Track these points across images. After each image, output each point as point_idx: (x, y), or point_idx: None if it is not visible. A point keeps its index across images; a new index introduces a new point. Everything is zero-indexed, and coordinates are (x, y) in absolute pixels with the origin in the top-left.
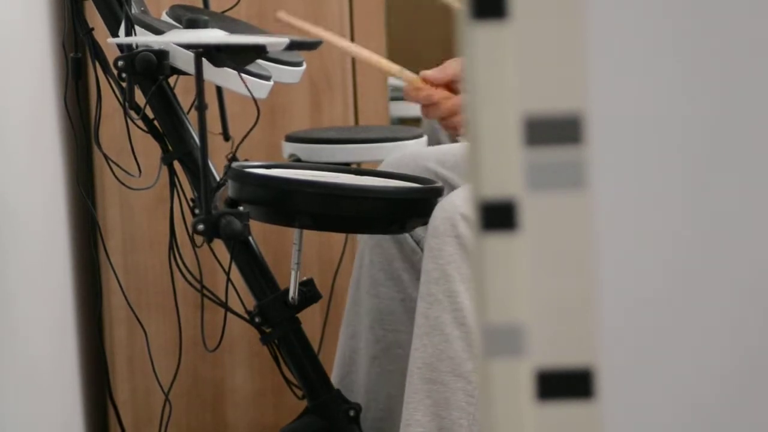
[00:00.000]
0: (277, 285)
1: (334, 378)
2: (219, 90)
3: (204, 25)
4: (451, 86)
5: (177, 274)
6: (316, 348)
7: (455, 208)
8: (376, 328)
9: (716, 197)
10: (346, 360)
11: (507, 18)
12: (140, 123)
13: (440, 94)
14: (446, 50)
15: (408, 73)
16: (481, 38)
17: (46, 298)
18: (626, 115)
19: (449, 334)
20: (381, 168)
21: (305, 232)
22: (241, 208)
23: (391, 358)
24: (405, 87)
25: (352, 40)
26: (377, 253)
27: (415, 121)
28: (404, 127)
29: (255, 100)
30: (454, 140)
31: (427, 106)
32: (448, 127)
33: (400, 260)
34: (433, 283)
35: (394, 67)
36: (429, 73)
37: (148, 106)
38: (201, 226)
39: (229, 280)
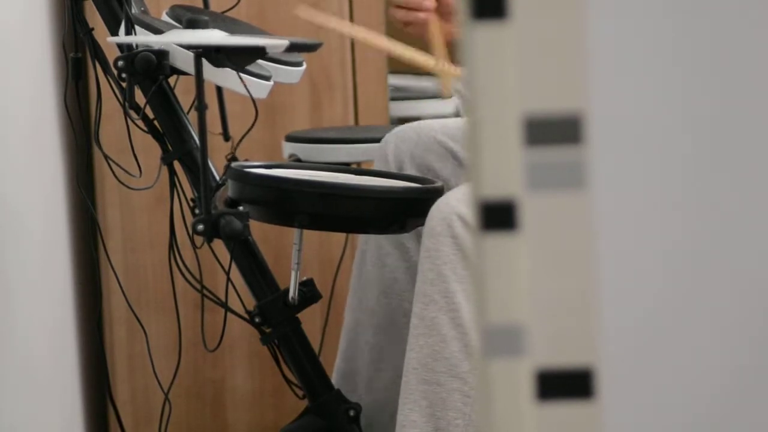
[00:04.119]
0: (277, 285)
1: (340, 348)
2: (219, 90)
3: (204, 25)
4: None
5: (177, 274)
6: (316, 348)
7: (451, 209)
8: (381, 298)
9: (716, 197)
10: (350, 334)
11: (507, 18)
12: (140, 123)
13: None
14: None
15: None
16: (481, 38)
17: (46, 298)
18: (626, 115)
19: (445, 334)
20: (383, 141)
21: (305, 232)
22: (241, 208)
23: (395, 327)
24: None
25: (352, 40)
26: None
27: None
28: None
29: (253, 101)
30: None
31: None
32: (402, 18)
33: None
34: (429, 284)
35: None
36: None
37: (148, 106)
38: (201, 226)
39: (229, 280)
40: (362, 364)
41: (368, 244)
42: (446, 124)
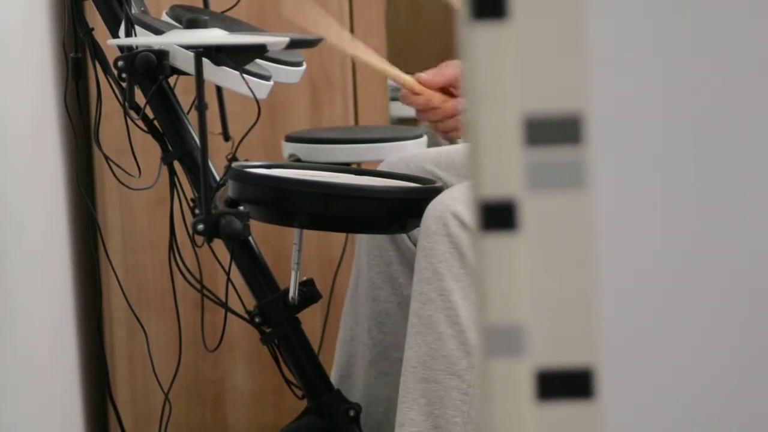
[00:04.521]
0: (277, 285)
1: (333, 382)
2: (219, 90)
3: (204, 25)
4: (447, 89)
5: (177, 274)
6: (316, 348)
7: (446, 207)
8: (374, 332)
9: (716, 197)
10: (344, 364)
11: (507, 18)
12: (140, 123)
13: (438, 97)
14: (446, 49)
15: (404, 77)
16: (481, 38)
17: (46, 298)
18: (626, 115)
19: (442, 332)
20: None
21: (305, 232)
22: (241, 207)
23: (389, 362)
24: (402, 92)
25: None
26: (375, 256)
27: (415, 121)
28: (404, 127)
29: (257, 100)
30: (452, 142)
31: (425, 110)
32: (443, 130)
33: (398, 263)
34: (425, 282)
35: (391, 70)
36: (425, 76)
37: (148, 106)
38: (201, 226)
39: (229, 280)
40: (357, 397)
41: (360, 276)
42: (437, 151)
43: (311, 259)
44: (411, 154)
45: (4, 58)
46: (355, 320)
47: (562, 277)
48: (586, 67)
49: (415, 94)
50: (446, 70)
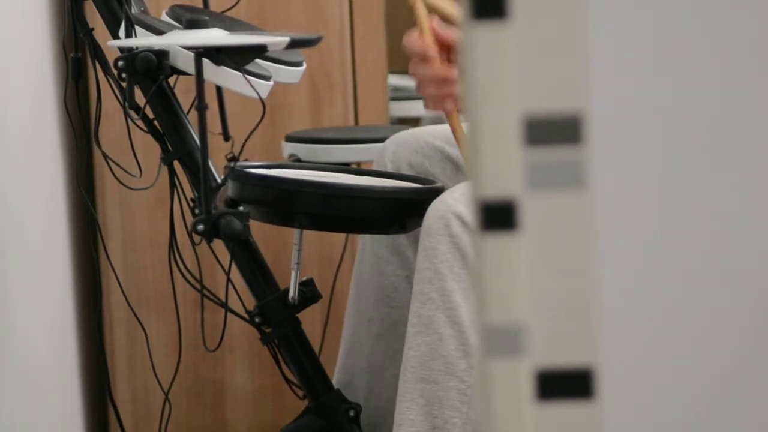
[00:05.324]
0: (277, 285)
1: (339, 360)
2: (219, 90)
3: (204, 25)
4: (449, 52)
5: (177, 274)
6: (316, 348)
7: (448, 207)
8: (381, 306)
9: (716, 197)
10: (349, 337)
11: (507, 18)
12: (140, 123)
13: (437, 54)
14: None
15: (425, 15)
16: (481, 38)
17: (46, 298)
18: (626, 115)
19: (442, 333)
20: (382, 147)
21: (305, 232)
22: (241, 208)
23: (398, 337)
24: (408, 36)
25: (352, 40)
26: None
27: (415, 121)
28: (404, 127)
29: (262, 100)
30: (428, 108)
31: (421, 59)
32: (427, 94)
33: (404, 236)
34: (426, 282)
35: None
36: (438, 26)
37: (148, 106)
38: (201, 226)
39: (229, 280)
40: (360, 374)
41: (365, 252)
42: (444, 129)
43: (311, 259)
44: (421, 130)
45: (4, 58)
46: (361, 295)
47: (562, 277)
48: (586, 67)
49: (420, 38)
50: (456, 33)
